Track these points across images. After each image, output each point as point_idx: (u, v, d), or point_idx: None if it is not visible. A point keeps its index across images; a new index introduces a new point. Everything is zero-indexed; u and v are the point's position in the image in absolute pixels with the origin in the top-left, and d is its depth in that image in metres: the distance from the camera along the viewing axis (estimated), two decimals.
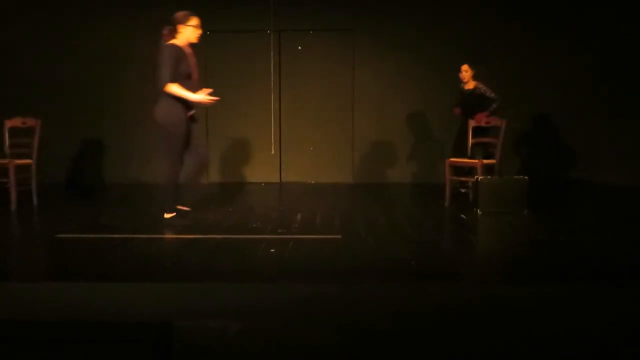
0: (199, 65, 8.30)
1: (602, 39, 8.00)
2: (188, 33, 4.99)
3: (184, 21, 4.96)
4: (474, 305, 3.17)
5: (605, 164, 7.97)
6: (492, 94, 6.76)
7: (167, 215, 5.08)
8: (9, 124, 6.36)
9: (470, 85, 6.94)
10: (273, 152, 8.44)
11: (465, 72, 6.96)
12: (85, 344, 2.40)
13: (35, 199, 6.26)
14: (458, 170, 6.55)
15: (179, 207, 5.10)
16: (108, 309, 3.14)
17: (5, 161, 6.07)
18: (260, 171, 8.52)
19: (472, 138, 6.43)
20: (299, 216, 5.65)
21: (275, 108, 8.38)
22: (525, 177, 5.75)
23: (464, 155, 6.52)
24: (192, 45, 5.10)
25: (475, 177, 5.84)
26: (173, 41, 4.96)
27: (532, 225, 5.31)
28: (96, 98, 8.34)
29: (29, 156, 6.29)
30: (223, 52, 8.42)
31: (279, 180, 8.56)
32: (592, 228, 5.21)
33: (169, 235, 4.81)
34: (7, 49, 8.20)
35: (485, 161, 6.14)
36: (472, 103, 6.86)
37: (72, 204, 6.66)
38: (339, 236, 4.73)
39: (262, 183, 8.45)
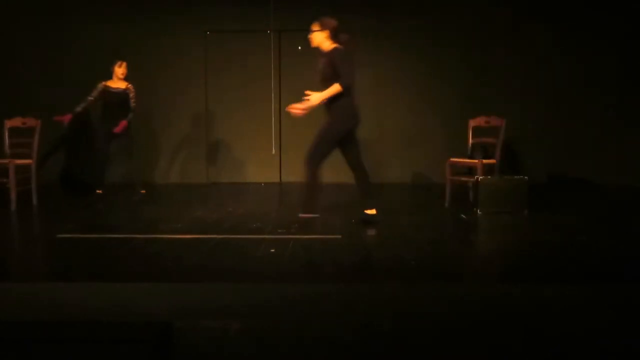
0: (199, 65, 8.35)
1: (603, 39, 8.00)
2: None
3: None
4: (474, 305, 3.17)
5: (606, 164, 7.97)
6: (134, 103, 6.77)
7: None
8: (9, 124, 6.36)
9: (122, 84, 6.86)
10: (273, 152, 8.44)
11: (119, 67, 6.82)
12: (85, 344, 2.40)
13: (35, 199, 6.27)
14: (458, 170, 6.55)
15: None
16: (108, 309, 3.14)
17: (5, 161, 6.07)
18: (260, 171, 8.51)
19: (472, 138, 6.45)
20: (299, 216, 5.64)
21: (275, 108, 8.38)
22: (525, 177, 5.75)
23: None
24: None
25: (475, 177, 5.84)
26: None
27: (532, 225, 5.30)
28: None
29: (29, 156, 6.29)
30: (223, 52, 8.42)
31: (279, 180, 8.56)
32: (593, 228, 5.20)
33: (168, 236, 4.81)
34: (7, 49, 8.20)
35: (485, 161, 6.15)
36: (118, 105, 6.81)
37: (72, 204, 6.66)
38: (339, 236, 4.73)
39: (262, 183, 8.45)
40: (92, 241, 4.62)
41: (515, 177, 5.80)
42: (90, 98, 6.82)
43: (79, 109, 6.79)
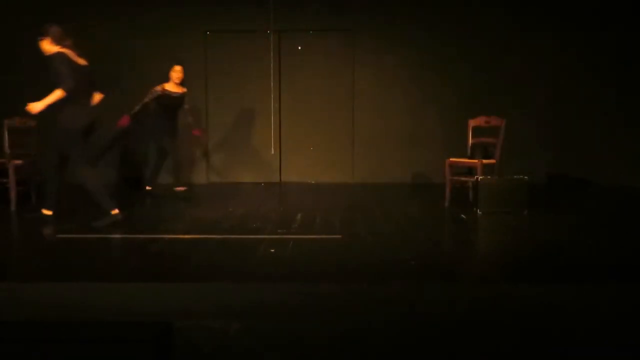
0: (199, 65, 8.34)
1: (603, 39, 8.00)
2: None
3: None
4: (474, 305, 3.17)
5: (606, 164, 7.97)
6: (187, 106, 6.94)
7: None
8: (8, 124, 6.36)
9: (180, 89, 6.85)
10: (273, 152, 8.44)
11: (174, 72, 6.83)
12: (85, 344, 2.40)
13: (35, 199, 6.26)
14: (458, 170, 6.55)
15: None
16: (108, 309, 3.14)
17: (5, 161, 6.06)
18: (260, 171, 8.51)
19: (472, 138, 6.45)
20: (299, 216, 5.65)
21: (275, 108, 8.38)
22: (525, 177, 5.75)
23: None
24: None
25: (475, 177, 5.84)
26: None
27: (532, 225, 5.31)
28: None
29: (29, 156, 6.29)
30: (223, 52, 8.42)
31: (279, 180, 8.56)
32: (592, 228, 5.20)
33: (168, 236, 4.81)
34: (8, 48, 8.20)
35: (485, 161, 6.14)
36: (175, 108, 6.88)
37: (72, 204, 6.65)
38: (339, 236, 4.73)
39: (262, 183, 8.45)
40: (92, 241, 4.62)
41: (515, 177, 5.80)
42: (146, 100, 6.84)
43: (136, 110, 6.81)
